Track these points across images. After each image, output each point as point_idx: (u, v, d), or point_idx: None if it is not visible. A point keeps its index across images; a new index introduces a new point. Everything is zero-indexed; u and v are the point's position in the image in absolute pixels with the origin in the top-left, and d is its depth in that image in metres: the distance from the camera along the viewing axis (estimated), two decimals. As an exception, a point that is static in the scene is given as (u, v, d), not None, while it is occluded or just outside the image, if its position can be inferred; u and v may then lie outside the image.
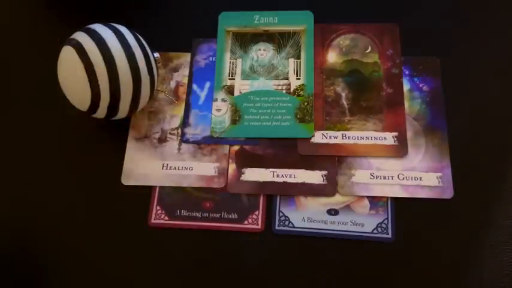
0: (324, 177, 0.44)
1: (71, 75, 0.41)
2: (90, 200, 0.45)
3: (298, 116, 0.46)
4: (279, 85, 0.48)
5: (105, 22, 0.43)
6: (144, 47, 0.43)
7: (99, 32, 0.42)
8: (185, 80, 0.49)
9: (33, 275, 0.43)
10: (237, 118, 0.47)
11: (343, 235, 0.42)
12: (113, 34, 0.42)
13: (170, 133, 0.47)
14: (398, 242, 0.42)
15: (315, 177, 0.44)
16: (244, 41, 0.50)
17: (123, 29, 0.43)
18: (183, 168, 0.45)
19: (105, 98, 0.41)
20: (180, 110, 0.48)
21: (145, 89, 0.43)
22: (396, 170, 0.44)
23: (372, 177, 0.44)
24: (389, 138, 0.45)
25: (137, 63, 0.42)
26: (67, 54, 0.41)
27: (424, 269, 0.41)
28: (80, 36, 0.42)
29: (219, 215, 0.44)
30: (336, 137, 0.45)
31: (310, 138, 0.46)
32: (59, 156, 0.47)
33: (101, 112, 0.42)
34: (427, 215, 0.43)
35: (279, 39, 0.50)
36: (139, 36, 0.44)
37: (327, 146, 0.45)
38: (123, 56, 0.41)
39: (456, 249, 0.42)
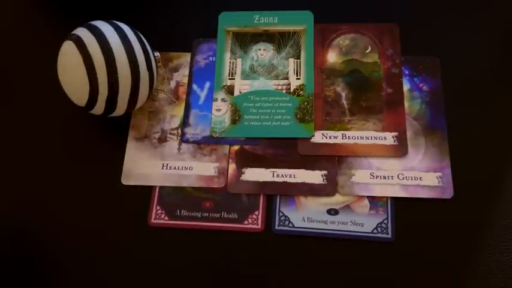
0: (324, 177, 0.44)
1: (69, 68, 0.41)
2: (90, 200, 0.45)
3: (298, 116, 0.46)
4: (279, 85, 0.48)
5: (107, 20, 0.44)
6: (144, 44, 0.43)
7: (100, 27, 0.42)
8: (185, 80, 0.49)
9: (32, 274, 0.43)
10: (237, 118, 0.47)
11: (343, 235, 0.42)
12: (113, 29, 0.42)
13: (170, 133, 0.47)
14: (398, 241, 0.42)
15: (315, 177, 0.44)
16: (244, 41, 0.50)
17: (123, 25, 0.43)
18: (183, 168, 0.45)
19: (103, 91, 0.41)
20: (180, 110, 0.48)
21: (144, 84, 0.43)
22: (396, 169, 0.44)
23: (372, 177, 0.44)
24: (389, 138, 0.45)
25: (136, 58, 0.42)
26: (67, 48, 0.42)
27: (424, 269, 0.41)
28: (81, 31, 0.42)
29: (219, 215, 0.44)
30: (336, 137, 0.45)
31: (310, 138, 0.46)
32: (59, 156, 0.47)
33: (99, 107, 0.42)
34: (427, 215, 0.43)
35: (279, 39, 0.50)
36: (140, 34, 0.44)
37: (327, 146, 0.45)
38: (122, 50, 0.41)
39: (456, 249, 0.42)
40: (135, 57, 0.42)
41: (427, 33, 0.49)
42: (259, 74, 0.48)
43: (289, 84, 0.48)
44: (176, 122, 0.48)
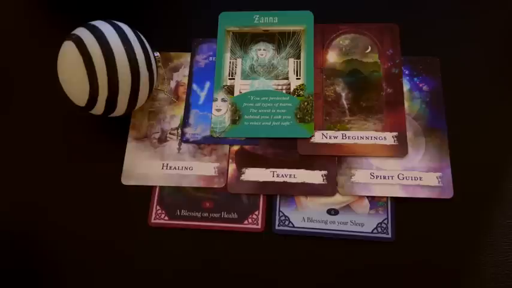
0: (324, 177, 0.44)
1: (70, 68, 0.41)
2: (90, 200, 0.45)
3: (298, 116, 0.46)
4: (279, 85, 0.48)
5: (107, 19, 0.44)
6: (144, 44, 0.43)
7: (100, 27, 0.42)
8: (185, 80, 0.49)
9: (32, 274, 0.43)
10: (237, 118, 0.47)
11: (343, 235, 0.42)
12: (113, 29, 0.42)
13: (170, 133, 0.47)
14: (398, 241, 0.42)
15: (315, 177, 0.44)
16: (244, 41, 0.50)
17: (123, 25, 0.43)
18: (183, 168, 0.45)
19: (103, 92, 0.41)
20: (180, 110, 0.48)
21: (144, 84, 0.43)
22: (396, 170, 0.44)
23: (372, 177, 0.44)
24: (389, 138, 0.45)
25: (136, 58, 0.42)
26: (67, 48, 0.42)
27: (424, 269, 0.41)
28: (80, 31, 0.42)
29: (219, 215, 0.44)
30: (336, 137, 0.45)
31: (310, 138, 0.46)
32: (59, 156, 0.47)
33: (99, 107, 0.42)
34: (427, 215, 0.43)
35: (279, 39, 0.50)
36: (140, 34, 0.44)
37: (327, 146, 0.45)
38: (122, 50, 0.41)
39: (456, 249, 0.42)
40: (135, 57, 0.42)
41: (427, 33, 0.49)
42: (259, 74, 0.48)
43: (289, 84, 0.48)
44: (176, 122, 0.48)
